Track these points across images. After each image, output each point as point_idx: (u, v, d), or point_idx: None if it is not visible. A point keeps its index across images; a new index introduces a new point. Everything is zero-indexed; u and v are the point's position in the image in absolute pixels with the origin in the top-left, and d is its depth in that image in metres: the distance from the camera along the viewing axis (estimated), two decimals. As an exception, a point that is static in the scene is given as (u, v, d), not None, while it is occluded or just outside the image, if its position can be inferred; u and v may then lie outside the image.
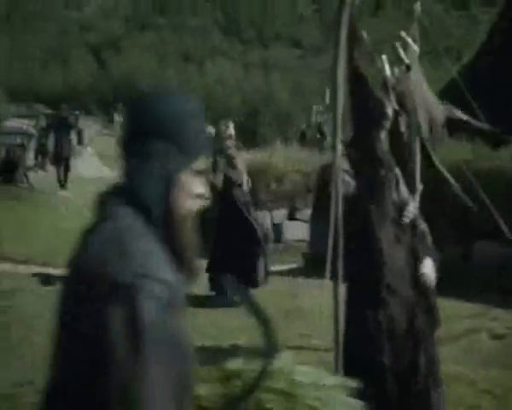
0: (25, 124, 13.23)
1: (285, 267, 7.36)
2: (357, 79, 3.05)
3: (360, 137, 2.93)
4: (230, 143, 6.66)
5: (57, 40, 53.44)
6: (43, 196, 11.27)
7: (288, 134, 32.19)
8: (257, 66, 43.74)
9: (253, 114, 34.28)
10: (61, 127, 14.13)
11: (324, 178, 6.32)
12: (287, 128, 33.11)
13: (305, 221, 8.20)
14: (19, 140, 12.39)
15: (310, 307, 5.66)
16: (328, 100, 19.46)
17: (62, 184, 13.82)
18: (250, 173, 8.06)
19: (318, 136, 20.53)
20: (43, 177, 20.91)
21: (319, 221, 6.81)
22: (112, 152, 20.15)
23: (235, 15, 50.90)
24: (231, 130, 7.06)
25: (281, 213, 8.06)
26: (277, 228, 8.03)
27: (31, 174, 19.08)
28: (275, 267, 7.51)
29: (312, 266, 6.68)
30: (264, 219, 7.86)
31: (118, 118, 31.95)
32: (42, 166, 15.19)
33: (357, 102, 2.99)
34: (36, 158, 13.38)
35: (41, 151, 13.95)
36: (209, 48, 47.87)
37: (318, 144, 20.33)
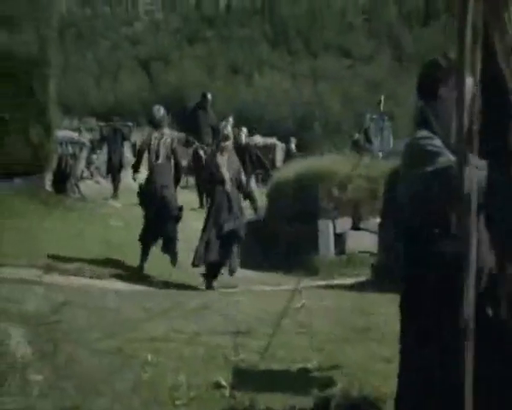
0: (76, 134, 13.03)
1: (350, 281, 6.81)
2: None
3: (491, 127, 2.29)
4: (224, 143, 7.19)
5: (109, 55, 54.12)
6: (94, 207, 10.97)
7: (338, 142, 31.59)
8: (305, 76, 43.19)
9: (302, 123, 33.73)
10: (115, 139, 13.91)
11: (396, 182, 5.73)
12: (337, 137, 32.50)
13: (370, 231, 7.60)
14: (70, 150, 12.17)
15: (382, 325, 5.06)
16: (382, 107, 18.82)
17: (114, 195, 13.59)
18: (311, 180, 7.51)
19: (364, 142, 19.84)
20: (95, 188, 20.88)
21: (388, 229, 6.21)
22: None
23: (283, 27, 50.50)
24: (228, 129, 7.30)
25: (344, 222, 7.47)
26: (340, 238, 7.44)
27: (82, 185, 19.03)
28: (338, 281, 6.95)
29: (382, 279, 6.09)
30: (327, 228, 7.30)
31: (166, 130, 31.90)
32: (93, 177, 15.02)
33: (491, 91, 2.33)
34: (88, 168, 13.17)
35: (92, 162, 13.81)
36: (257, 59, 47.57)
37: (365, 150, 19.71)
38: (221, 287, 6.78)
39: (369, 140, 19.24)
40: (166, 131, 7.85)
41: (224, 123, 8.13)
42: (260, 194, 11.54)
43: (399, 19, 48.68)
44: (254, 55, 48.51)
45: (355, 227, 7.55)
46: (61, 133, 12.34)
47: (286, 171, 8.72)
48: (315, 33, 50.37)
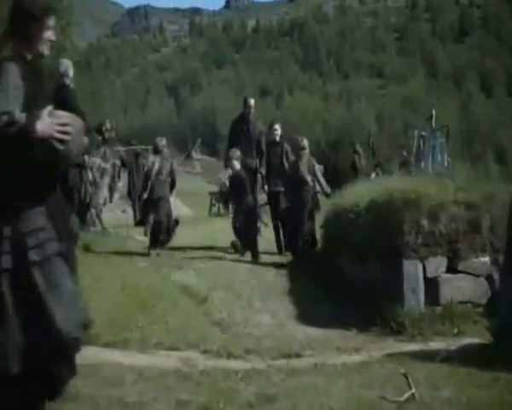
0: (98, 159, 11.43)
1: (449, 345, 4.97)
2: None
3: None
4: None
5: (137, 82, 53.47)
6: (117, 243, 9.31)
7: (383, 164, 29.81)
8: (337, 96, 41.64)
9: (335, 144, 32.03)
10: (136, 163, 12.46)
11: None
12: (373, 158, 30.79)
13: (472, 274, 5.75)
14: (90, 176, 10.53)
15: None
16: (434, 123, 17.00)
17: (136, 222, 12.05)
18: (390, 207, 5.75)
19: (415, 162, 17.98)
20: (120, 218, 19.41)
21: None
22: (189, 189, 18.16)
23: (313, 47, 49.14)
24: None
25: (437, 263, 5.64)
26: (432, 284, 5.61)
27: (105, 215, 17.48)
28: (430, 346, 5.12)
29: (506, 345, 4.27)
30: (415, 270, 5.48)
31: (195, 154, 30.48)
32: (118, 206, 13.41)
33: None
34: (111, 197, 11.52)
35: (115, 189, 12.23)
36: (287, 81, 46.18)
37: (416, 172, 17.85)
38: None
39: (418, 160, 17.35)
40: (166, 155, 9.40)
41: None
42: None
43: (432, 36, 46.92)
44: (284, 76, 47.25)
45: (452, 269, 5.69)
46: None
47: (351, 195, 6.94)
48: (345, 53, 48.95)
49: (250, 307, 6.06)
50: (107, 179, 11.05)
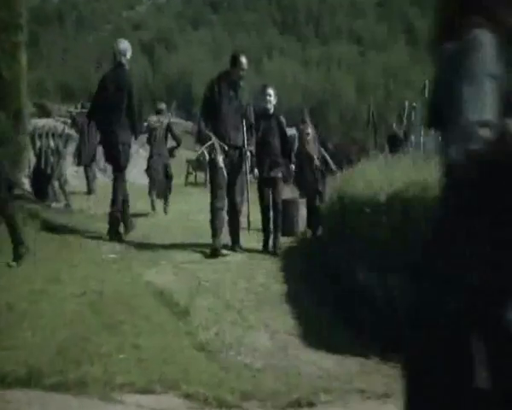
0: (61, 123, 9.92)
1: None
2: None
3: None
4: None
5: (111, 39, 50.96)
6: (82, 222, 7.92)
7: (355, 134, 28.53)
8: (316, 62, 40.04)
9: (315, 112, 30.59)
10: (89, 128, 11.19)
11: None
12: (354, 128, 29.48)
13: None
14: (52, 144, 9.07)
15: None
16: (427, 93, 15.74)
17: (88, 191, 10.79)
18: (421, 201, 4.51)
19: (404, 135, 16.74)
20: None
21: None
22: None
23: (292, 11, 47.26)
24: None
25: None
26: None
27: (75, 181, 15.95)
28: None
29: None
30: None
31: (172, 118, 28.78)
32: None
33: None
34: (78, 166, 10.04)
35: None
36: (265, 45, 44.35)
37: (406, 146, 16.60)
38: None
39: (405, 135, 16.12)
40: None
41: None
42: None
43: (413, 3, 45.37)
44: (262, 40, 45.35)
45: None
46: (40, 123, 9.25)
47: (363, 182, 5.67)
48: (325, 18, 47.21)
49: (242, 321, 4.79)
50: (71, 148, 9.57)
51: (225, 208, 6.58)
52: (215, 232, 6.43)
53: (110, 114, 7.02)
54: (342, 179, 6.77)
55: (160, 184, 10.00)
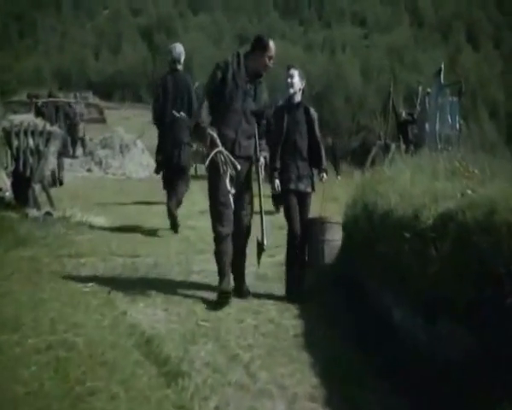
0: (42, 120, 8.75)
1: None
2: None
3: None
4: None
5: (109, 25, 49.64)
6: (62, 235, 6.82)
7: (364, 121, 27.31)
8: (320, 46, 38.71)
9: (319, 98, 29.33)
10: (57, 119, 10.25)
11: None
12: (361, 114, 28.27)
13: None
14: (31, 143, 7.94)
15: None
16: (443, 78, 14.50)
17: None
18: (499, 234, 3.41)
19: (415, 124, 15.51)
20: (85, 177, 16.71)
21: None
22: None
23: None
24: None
25: None
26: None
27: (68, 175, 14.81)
28: None
29: None
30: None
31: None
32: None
33: None
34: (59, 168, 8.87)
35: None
36: (267, 29, 42.97)
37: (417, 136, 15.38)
38: None
39: (421, 121, 14.92)
40: None
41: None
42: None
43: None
44: (263, 24, 43.94)
45: None
46: (17, 119, 8.10)
47: (394, 193, 4.55)
48: (327, 0, 45.75)
49: (251, 382, 3.69)
50: (54, 147, 8.42)
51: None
52: (222, 270, 4.86)
53: (172, 117, 7.29)
54: (365, 185, 5.63)
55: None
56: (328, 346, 4.26)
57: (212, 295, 4.94)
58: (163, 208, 7.61)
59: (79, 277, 5.30)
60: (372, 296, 4.58)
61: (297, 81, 5.33)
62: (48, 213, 7.43)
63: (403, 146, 13.77)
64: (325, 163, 5.43)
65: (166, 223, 7.53)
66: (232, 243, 4.87)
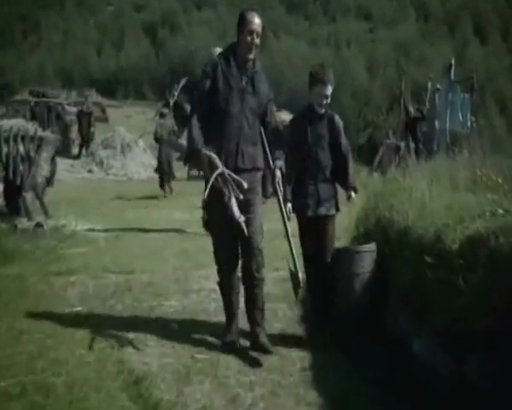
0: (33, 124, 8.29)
1: None
2: None
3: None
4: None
5: (112, 21, 49.11)
6: (52, 251, 6.37)
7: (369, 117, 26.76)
8: (325, 41, 38.07)
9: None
10: (49, 120, 9.82)
11: None
12: (367, 110, 27.68)
13: None
14: (22, 149, 7.49)
15: None
16: (453, 74, 13.98)
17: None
18: None
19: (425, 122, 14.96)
20: (85, 178, 16.26)
21: None
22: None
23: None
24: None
25: None
26: None
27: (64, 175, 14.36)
28: None
29: None
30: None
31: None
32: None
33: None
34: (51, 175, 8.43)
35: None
36: (272, 24, 42.38)
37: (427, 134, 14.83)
38: None
39: (431, 118, 14.39)
40: None
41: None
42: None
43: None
44: (268, 19, 43.35)
45: None
46: (7, 124, 7.65)
47: (410, 204, 4.06)
48: (332, -5, 45.09)
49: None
50: (47, 153, 7.97)
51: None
52: (230, 320, 4.13)
53: None
54: (377, 196, 5.15)
55: (166, 175, 12.71)
56: (339, 381, 3.78)
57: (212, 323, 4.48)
58: (164, 213, 7.15)
59: (67, 299, 4.85)
60: (389, 324, 4.09)
61: (326, 92, 4.36)
62: (38, 225, 6.97)
63: (412, 144, 13.25)
64: (353, 180, 4.48)
65: (166, 231, 7.08)
66: (243, 278, 4.08)
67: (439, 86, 14.32)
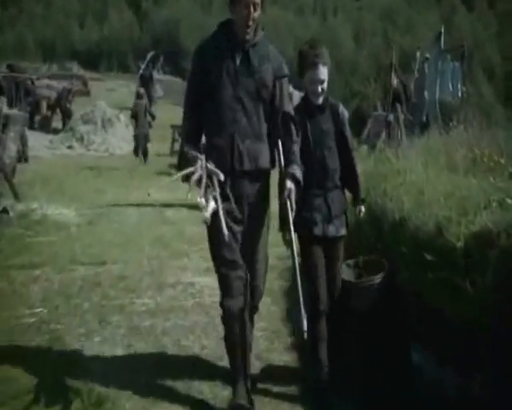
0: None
1: None
2: None
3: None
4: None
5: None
6: (17, 241, 5.86)
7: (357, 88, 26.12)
8: (311, 10, 37.19)
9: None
10: (17, 95, 9.23)
11: None
12: (353, 80, 27.06)
13: None
14: (-15, 129, 6.93)
15: None
16: (443, 43, 13.41)
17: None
18: None
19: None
20: (65, 155, 15.64)
21: None
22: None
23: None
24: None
25: None
26: None
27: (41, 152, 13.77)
28: None
29: None
30: None
31: (157, 75, 26.25)
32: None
33: None
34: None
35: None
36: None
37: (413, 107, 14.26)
38: None
39: (406, 97, 13.73)
40: None
41: None
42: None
43: None
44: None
45: None
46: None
47: (405, 190, 3.60)
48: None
49: None
50: (14, 132, 7.39)
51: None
52: (235, 369, 3.06)
53: None
54: (368, 179, 4.64)
55: (143, 148, 13.59)
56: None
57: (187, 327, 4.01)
58: (143, 194, 6.60)
59: (27, 298, 4.36)
60: (387, 339, 3.64)
61: (326, 73, 3.32)
62: (4, 211, 6.44)
63: (401, 116, 12.74)
64: (362, 191, 3.50)
65: (144, 214, 6.58)
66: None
67: (428, 55, 13.75)
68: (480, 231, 2.83)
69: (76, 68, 30.59)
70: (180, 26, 36.20)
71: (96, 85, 27.36)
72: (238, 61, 3.06)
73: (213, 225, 2.78)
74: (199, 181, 2.78)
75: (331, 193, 3.32)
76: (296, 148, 3.11)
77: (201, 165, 2.83)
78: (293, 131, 3.14)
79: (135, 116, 13.79)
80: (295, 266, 2.87)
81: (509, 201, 3.05)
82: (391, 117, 11.17)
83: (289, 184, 2.98)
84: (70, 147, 16.01)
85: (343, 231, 3.36)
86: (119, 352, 3.60)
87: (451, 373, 2.91)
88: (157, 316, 4.12)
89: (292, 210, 2.96)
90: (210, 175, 2.82)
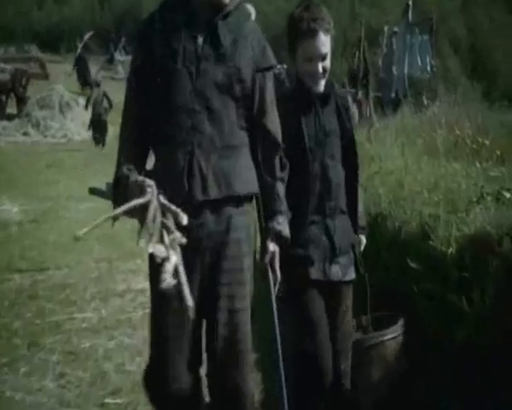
0: None
1: None
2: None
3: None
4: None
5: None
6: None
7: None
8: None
9: (277, 41, 27.37)
10: None
11: None
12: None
13: None
14: None
15: None
16: (411, 16, 12.91)
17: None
18: None
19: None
20: (22, 142, 14.79)
21: None
22: (114, 99, 13.60)
23: None
24: None
25: None
26: None
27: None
28: None
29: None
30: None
31: (119, 56, 25.29)
32: None
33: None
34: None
35: None
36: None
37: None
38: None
39: (388, 64, 13.34)
40: None
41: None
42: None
43: None
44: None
45: None
46: None
47: (381, 176, 3.09)
48: None
49: None
50: None
51: None
52: None
53: None
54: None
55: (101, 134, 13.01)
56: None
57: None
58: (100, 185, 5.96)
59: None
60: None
61: (328, 46, 2.26)
62: None
63: (371, 94, 12.22)
64: (363, 216, 2.53)
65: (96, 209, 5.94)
66: None
67: (396, 29, 13.27)
68: (476, 235, 2.31)
69: (35, 51, 29.36)
70: (142, 3, 35.05)
71: (56, 68, 26.21)
72: (200, 40, 1.97)
73: (165, 293, 1.68)
74: (152, 220, 1.72)
75: (334, 220, 2.31)
76: (281, 187, 2.09)
77: (153, 194, 1.76)
78: (277, 161, 2.08)
79: (94, 104, 13.51)
80: (278, 353, 1.99)
81: (506, 194, 2.53)
82: (360, 94, 10.67)
83: (272, 246, 2.04)
84: (25, 133, 15.14)
85: (352, 274, 2.35)
86: (49, 384, 3.01)
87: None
88: (99, 334, 3.54)
89: (275, 283, 2.05)
90: (164, 212, 1.76)
